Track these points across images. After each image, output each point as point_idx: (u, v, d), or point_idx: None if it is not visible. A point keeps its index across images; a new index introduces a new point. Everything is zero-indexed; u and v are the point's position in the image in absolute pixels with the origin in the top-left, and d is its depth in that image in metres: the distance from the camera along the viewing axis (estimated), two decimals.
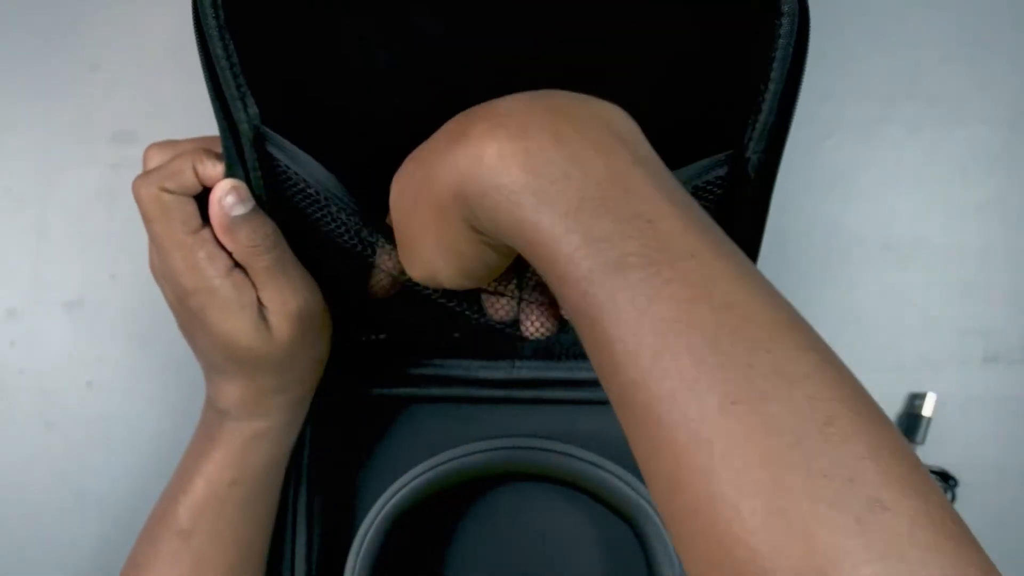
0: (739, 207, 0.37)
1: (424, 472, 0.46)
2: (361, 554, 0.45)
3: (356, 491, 0.49)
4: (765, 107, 0.34)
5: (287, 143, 0.37)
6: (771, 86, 0.34)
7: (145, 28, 0.52)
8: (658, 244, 0.25)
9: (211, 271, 0.37)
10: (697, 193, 0.36)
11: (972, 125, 0.54)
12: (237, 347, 0.39)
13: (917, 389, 0.53)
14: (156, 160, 0.39)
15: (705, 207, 0.36)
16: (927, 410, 0.52)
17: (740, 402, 0.23)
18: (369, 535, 0.45)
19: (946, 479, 0.53)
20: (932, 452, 0.53)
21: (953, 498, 0.53)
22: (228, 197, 0.36)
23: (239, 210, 0.37)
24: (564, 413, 0.50)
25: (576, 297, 0.26)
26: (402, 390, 0.49)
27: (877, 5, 0.54)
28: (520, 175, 0.27)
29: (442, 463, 0.46)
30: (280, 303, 0.39)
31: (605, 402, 0.49)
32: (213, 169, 0.37)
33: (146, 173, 0.38)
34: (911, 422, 0.53)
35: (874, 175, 0.54)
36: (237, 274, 0.38)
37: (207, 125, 0.51)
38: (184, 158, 0.37)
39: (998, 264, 0.54)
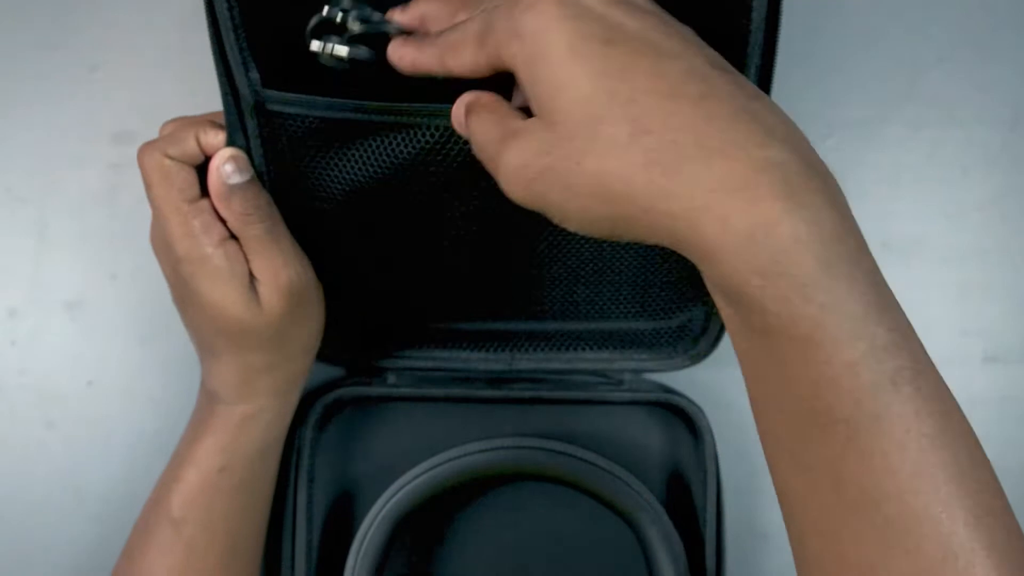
0: None
1: (424, 472, 0.46)
2: (361, 554, 0.45)
3: (356, 491, 0.50)
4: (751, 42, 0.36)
5: (288, 94, 0.37)
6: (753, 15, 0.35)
7: (145, 28, 0.52)
8: (914, 357, 0.26)
9: (204, 239, 0.38)
10: None
11: (972, 126, 0.54)
12: (226, 318, 0.39)
13: None
14: (168, 132, 0.40)
15: None
16: None
17: (985, 516, 0.24)
18: (369, 535, 0.45)
19: None
20: None
21: None
22: (227, 165, 0.38)
23: (236, 179, 0.38)
24: (565, 413, 0.50)
25: (843, 404, 0.25)
26: (402, 390, 0.49)
27: (877, 5, 0.54)
28: (814, 268, 0.25)
29: (442, 463, 0.46)
30: (271, 274, 0.39)
31: (606, 402, 0.50)
32: (215, 138, 0.38)
33: (152, 141, 0.39)
34: None
35: (874, 175, 0.54)
36: (230, 245, 0.39)
37: None
38: (188, 127, 0.39)
39: (998, 264, 0.54)
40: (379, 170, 0.40)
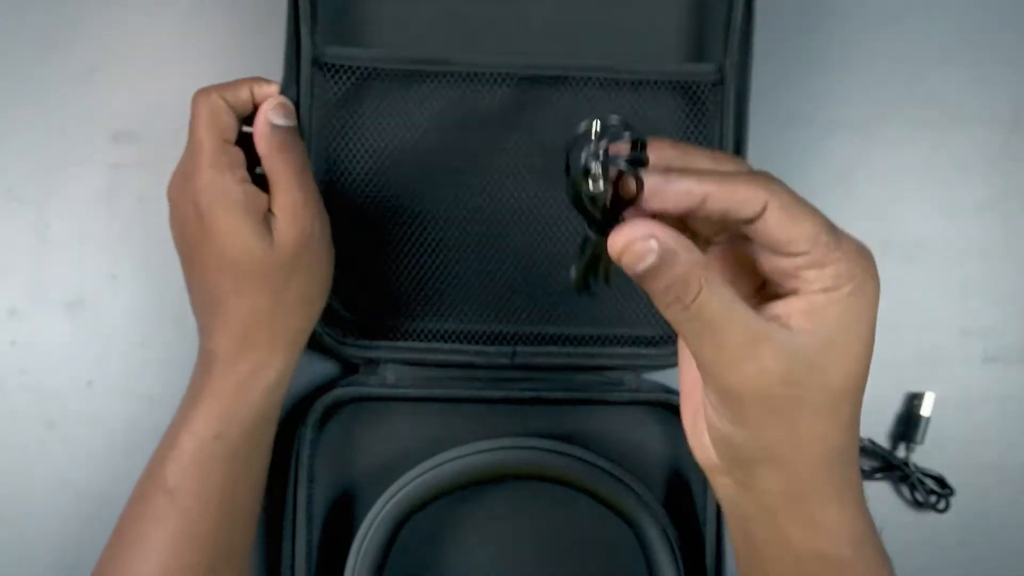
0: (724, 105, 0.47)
1: (425, 472, 0.46)
2: (362, 554, 0.45)
3: (356, 491, 0.50)
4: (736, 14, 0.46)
5: (346, 48, 0.45)
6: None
7: (145, 29, 0.52)
8: None
9: (229, 175, 0.40)
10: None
11: (972, 125, 0.54)
12: (237, 248, 0.40)
13: (916, 389, 0.53)
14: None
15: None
16: (926, 410, 0.52)
17: None
18: (369, 535, 0.45)
19: (943, 486, 0.53)
20: (931, 452, 0.53)
21: (947, 507, 0.53)
22: (275, 109, 0.42)
23: (280, 122, 0.42)
24: (565, 413, 0.50)
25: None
26: (403, 390, 0.49)
27: (877, 5, 0.54)
28: (876, 534, 0.33)
29: (443, 463, 0.46)
30: (290, 210, 0.41)
31: (606, 402, 0.50)
32: (268, 88, 0.42)
33: (208, 86, 0.42)
34: (910, 422, 0.53)
35: (874, 175, 0.54)
36: (251, 186, 0.41)
37: None
38: (243, 80, 0.42)
39: (998, 264, 0.54)
40: (418, 122, 0.46)
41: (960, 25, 0.54)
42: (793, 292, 0.30)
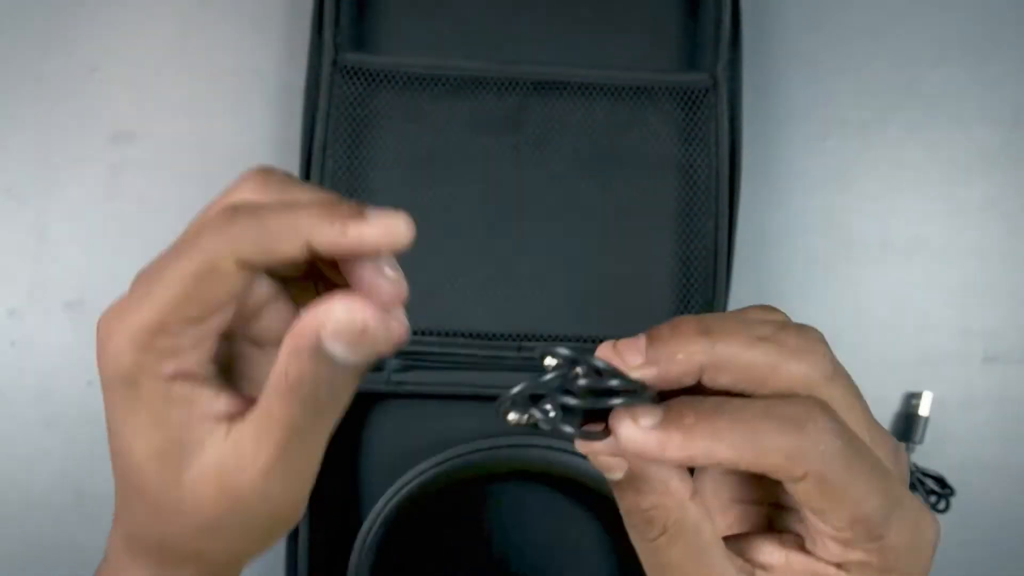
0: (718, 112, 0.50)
1: (427, 470, 0.46)
2: (364, 552, 0.45)
3: (359, 488, 0.49)
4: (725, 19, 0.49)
5: (364, 55, 0.48)
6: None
7: (144, 29, 0.52)
8: None
9: (166, 363, 0.25)
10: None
11: (972, 125, 0.54)
12: (126, 467, 0.26)
13: (916, 388, 0.53)
14: (250, 192, 0.26)
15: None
16: (924, 409, 0.52)
17: None
18: (372, 533, 0.45)
19: (943, 486, 0.53)
20: (931, 452, 0.53)
21: (947, 507, 0.53)
22: (337, 334, 0.24)
23: (339, 352, 0.25)
24: None
25: None
26: (406, 386, 0.49)
27: (877, 5, 0.54)
28: None
29: (445, 460, 0.46)
30: (254, 470, 0.26)
31: None
32: (365, 228, 0.25)
33: (224, 223, 0.24)
34: (908, 422, 0.53)
35: (874, 175, 0.54)
36: (184, 384, 0.25)
37: (207, 125, 0.51)
38: (292, 213, 0.24)
39: (998, 264, 0.54)
40: (427, 124, 0.49)
41: (960, 25, 0.54)
42: (804, 540, 0.24)
